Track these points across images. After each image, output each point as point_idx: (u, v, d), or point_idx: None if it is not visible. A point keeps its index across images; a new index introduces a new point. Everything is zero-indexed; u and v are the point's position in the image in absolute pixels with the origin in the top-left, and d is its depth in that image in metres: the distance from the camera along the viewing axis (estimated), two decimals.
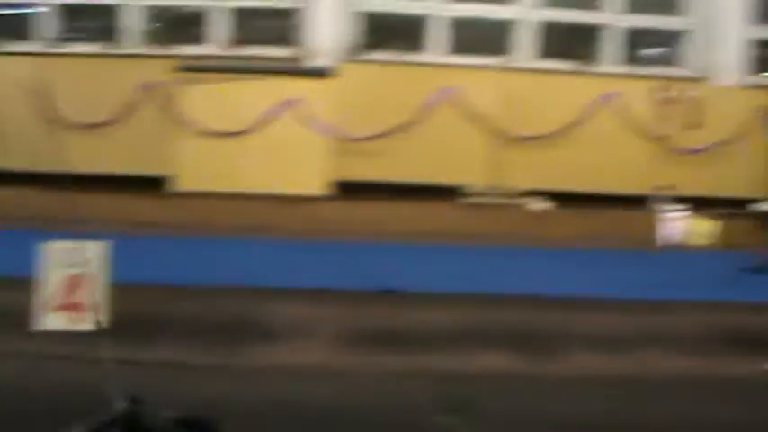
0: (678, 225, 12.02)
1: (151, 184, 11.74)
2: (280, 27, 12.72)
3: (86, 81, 11.42)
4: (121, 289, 6.99)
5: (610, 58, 13.16)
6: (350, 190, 11.97)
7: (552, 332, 7.11)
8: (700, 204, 12.13)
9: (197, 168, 11.78)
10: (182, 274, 8.52)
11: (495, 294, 8.32)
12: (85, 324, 6.50)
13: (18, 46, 12.14)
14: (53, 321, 6.49)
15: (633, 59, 13.34)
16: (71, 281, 6.54)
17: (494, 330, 7.04)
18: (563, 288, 8.72)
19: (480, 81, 12.22)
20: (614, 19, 13.14)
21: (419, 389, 5.55)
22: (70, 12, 12.44)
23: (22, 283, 6.75)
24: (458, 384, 5.69)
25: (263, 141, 11.68)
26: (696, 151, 12.53)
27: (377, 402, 5.31)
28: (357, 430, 4.85)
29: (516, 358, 6.34)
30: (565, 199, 11.38)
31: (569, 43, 13.52)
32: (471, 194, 12.01)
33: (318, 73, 11.94)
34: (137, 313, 7.02)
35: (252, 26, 12.77)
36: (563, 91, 12.23)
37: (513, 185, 12.08)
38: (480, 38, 13.29)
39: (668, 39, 13.67)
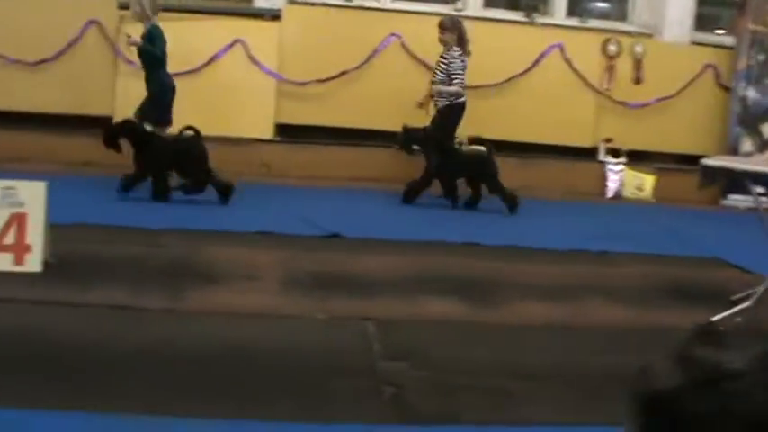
0: (618, 178, 12.16)
1: (93, 124, 11.54)
2: None
3: (29, 17, 11.14)
4: (61, 230, 6.92)
5: (557, 9, 13.17)
6: (291, 133, 11.93)
7: (495, 280, 7.16)
8: (641, 158, 12.30)
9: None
10: (122, 215, 8.46)
11: (438, 242, 8.36)
12: (29, 266, 6.40)
13: None
14: None
15: (581, 12, 13.37)
16: (13, 221, 6.42)
17: (437, 278, 7.08)
18: (506, 237, 8.78)
19: (427, 28, 12.15)
20: None
21: (363, 334, 5.55)
22: None
23: None
24: (402, 330, 5.70)
25: (208, 83, 11.56)
26: (640, 105, 12.62)
27: (321, 347, 5.31)
28: (301, 375, 4.84)
29: (460, 306, 6.37)
30: (508, 148, 11.40)
31: None
32: None
33: (266, 14, 11.82)
34: (78, 255, 6.95)
35: None
36: (510, 41, 12.23)
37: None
38: None
39: None
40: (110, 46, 11.68)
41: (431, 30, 11.75)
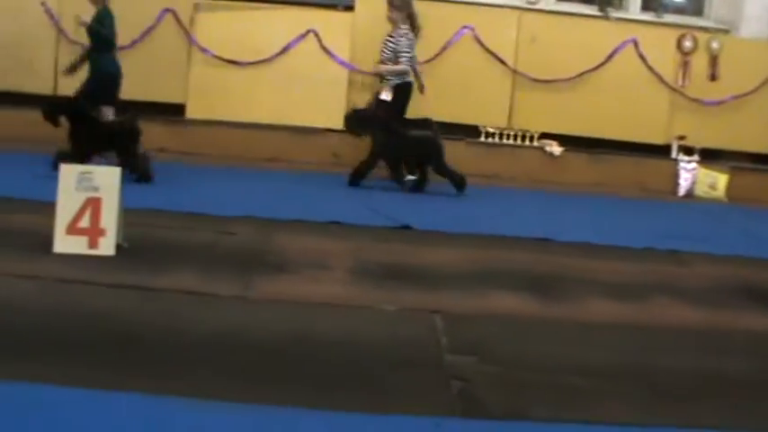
0: (691, 176, 11.99)
1: (167, 111, 11.71)
2: None
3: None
4: (135, 215, 7.02)
5: (632, 4, 13.03)
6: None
7: (564, 277, 7.11)
8: (715, 157, 12.13)
9: (212, 97, 11.75)
10: (195, 202, 8.54)
11: (509, 236, 8.32)
12: (103, 249, 6.50)
13: None
14: (71, 245, 6.48)
15: (656, 6, 13.20)
16: (88, 205, 6.52)
17: (506, 272, 7.05)
18: (576, 233, 8.70)
19: (501, 21, 12.11)
20: None
21: (431, 327, 5.54)
22: None
23: (46, 207, 6.78)
24: (470, 324, 5.68)
25: (280, 72, 11.64)
26: (715, 103, 12.42)
27: (389, 339, 5.31)
28: (369, 366, 4.85)
29: (528, 301, 6.34)
30: (579, 144, 11.33)
31: None
32: (487, 134, 11.96)
33: (339, 5, 11.87)
34: (150, 240, 7.05)
35: None
36: (583, 35, 12.14)
37: (528, 127, 12.02)
38: None
39: None
40: (184, 34, 11.81)
41: (504, 22, 11.71)
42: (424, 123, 10.51)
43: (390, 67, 10.69)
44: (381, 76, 10.84)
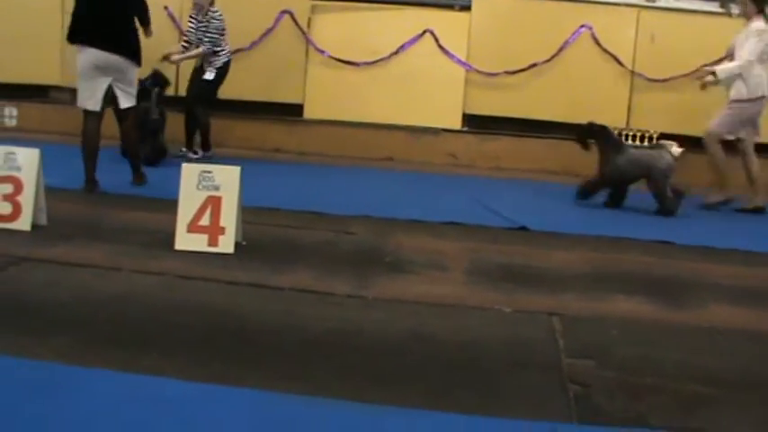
0: None
1: (285, 111, 11.88)
2: None
3: (227, 9, 11.45)
4: (253, 213, 7.14)
5: None
6: (479, 124, 11.95)
7: (684, 280, 6.96)
8: None
9: (329, 97, 11.87)
10: (312, 200, 8.64)
11: (627, 239, 8.19)
12: (223, 247, 6.62)
13: None
14: (192, 242, 6.62)
15: None
16: (208, 203, 6.65)
17: (625, 275, 6.94)
18: (697, 236, 8.52)
19: (620, 19, 11.94)
20: None
21: (549, 330, 5.49)
22: None
23: (167, 204, 7.01)
24: (588, 328, 5.60)
25: (397, 72, 11.70)
26: None
27: (506, 340, 5.27)
28: (485, 368, 4.82)
29: (647, 305, 6.21)
30: (700, 145, 11.06)
31: None
32: None
33: (456, 5, 11.87)
34: (268, 238, 7.16)
35: None
36: (704, 32, 11.87)
37: (647, 128, 11.82)
38: None
39: None
40: (301, 36, 11.94)
41: (623, 21, 11.53)
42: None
43: (186, 54, 10.87)
44: (203, 60, 10.91)
